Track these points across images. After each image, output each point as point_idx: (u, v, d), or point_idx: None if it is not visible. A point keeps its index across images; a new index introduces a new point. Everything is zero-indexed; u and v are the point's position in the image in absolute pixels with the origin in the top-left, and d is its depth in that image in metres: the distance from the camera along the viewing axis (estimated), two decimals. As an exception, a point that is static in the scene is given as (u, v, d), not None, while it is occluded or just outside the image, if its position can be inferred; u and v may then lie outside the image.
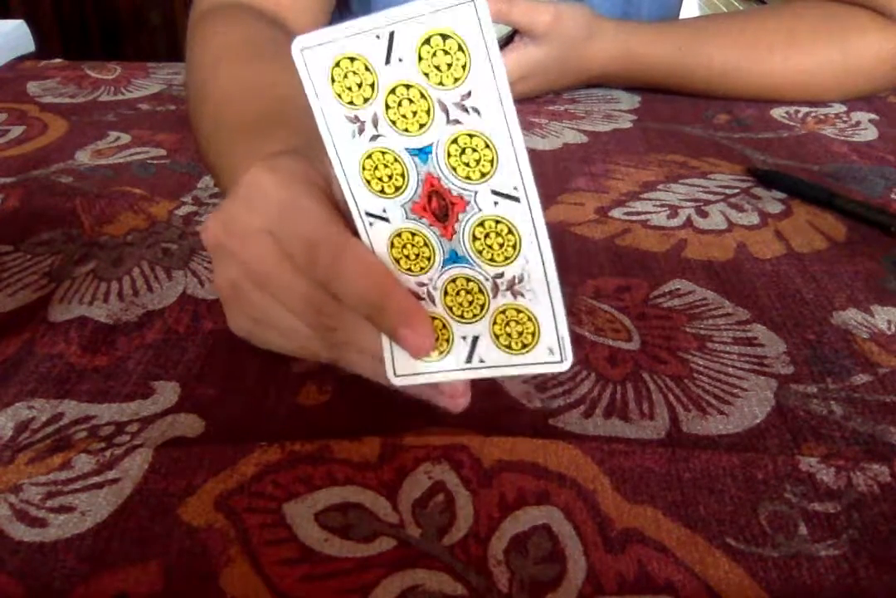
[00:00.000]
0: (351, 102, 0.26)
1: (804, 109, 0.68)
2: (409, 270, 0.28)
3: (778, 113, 0.68)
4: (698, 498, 0.32)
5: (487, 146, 0.25)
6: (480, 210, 0.26)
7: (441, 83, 0.25)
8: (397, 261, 0.28)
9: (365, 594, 0.28)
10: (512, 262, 0.26)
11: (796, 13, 0.68)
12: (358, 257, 0.28)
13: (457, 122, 0.25)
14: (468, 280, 0.28)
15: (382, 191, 0.28)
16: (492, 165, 0.25)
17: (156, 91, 0.73)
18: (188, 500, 0.32)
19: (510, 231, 0.26)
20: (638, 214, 0.52)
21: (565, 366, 0.27)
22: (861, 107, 0.69)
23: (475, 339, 0.28)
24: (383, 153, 0.27)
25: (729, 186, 0.56)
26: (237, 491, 0.32)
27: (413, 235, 0.28)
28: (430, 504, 0.31)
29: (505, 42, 0.64)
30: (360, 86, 0.26)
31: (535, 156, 0.60)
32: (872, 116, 0.67)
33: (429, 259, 0.28)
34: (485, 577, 0.29)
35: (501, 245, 0.26)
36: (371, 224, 0.28)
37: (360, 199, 0.28)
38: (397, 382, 0.30)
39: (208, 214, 0.51)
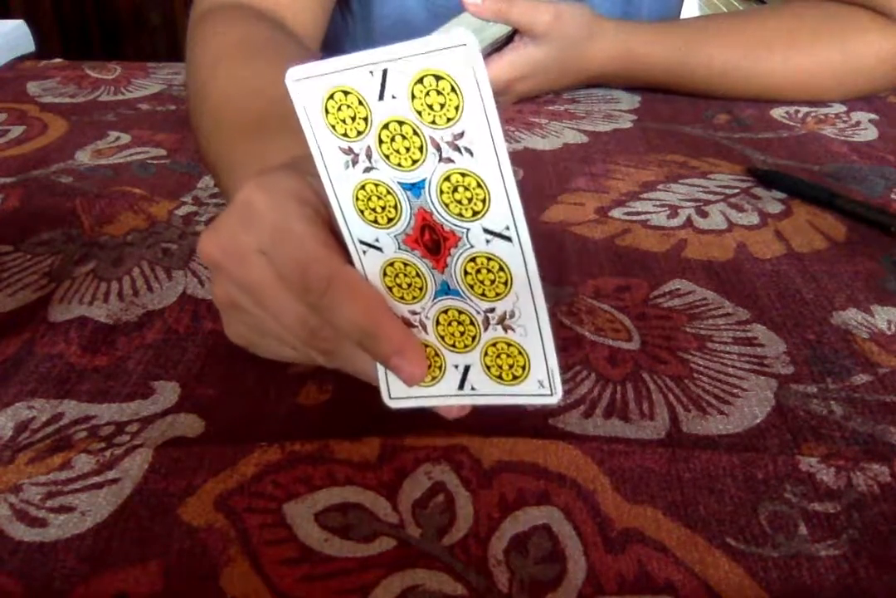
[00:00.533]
0: (345, 134, 0.26)
1: (804, 109, 0.68)
2: (402, 298, 0.28)
3: (778, 113, 0.68)
4: (698, 498, 0.32)
5: (479, 186, 0.25)
6: (472, 246, 0.26)
7: (434, 122, 0.25)
8: (390, 289, 0.29)
9: (365, 594, 0.28)
10: (503, 298, 0.27)
11: (796, 13, 0.68)
12: (350, 284, 0.28)
13: (449, 160, 0.25)
14: (460, 312, 0.28)
15: (376, 221, 0.28)
16: (484, 204, 0.25)
17: (156, 91, 0.73)
18: (188, 500, 0.32)
19: (501, 268, 0.26)
20: (638, 214, 0.52)
21: (554, 399, 0.27)
22: (861, 107, 0.69)
23: (467, 368, 0.28)
24: (376, 185, 0.27)
25: (729, 186, 0.56)
26: (237, 491, 0.32)
27: (405, 265, 0.28)
28: (430, 505, 0.31)
29: (505, 42, 0.64)
30: (353, 119, 0.26)
31: (536, 156, 0.60)
32: (872, 115, 0.67)
33: (421, 289, 0.28)
34: (485, 577, 0.29)
35: (493, 281, 0.27)
36: (364, 252, 0.28)
37: (353, 227, 0.28)
38: (392, 404, 0.30)
39: (205, 224, 0.51)
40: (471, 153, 0.25)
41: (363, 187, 0.27)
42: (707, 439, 0.35)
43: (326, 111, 0.26)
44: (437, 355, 0.29)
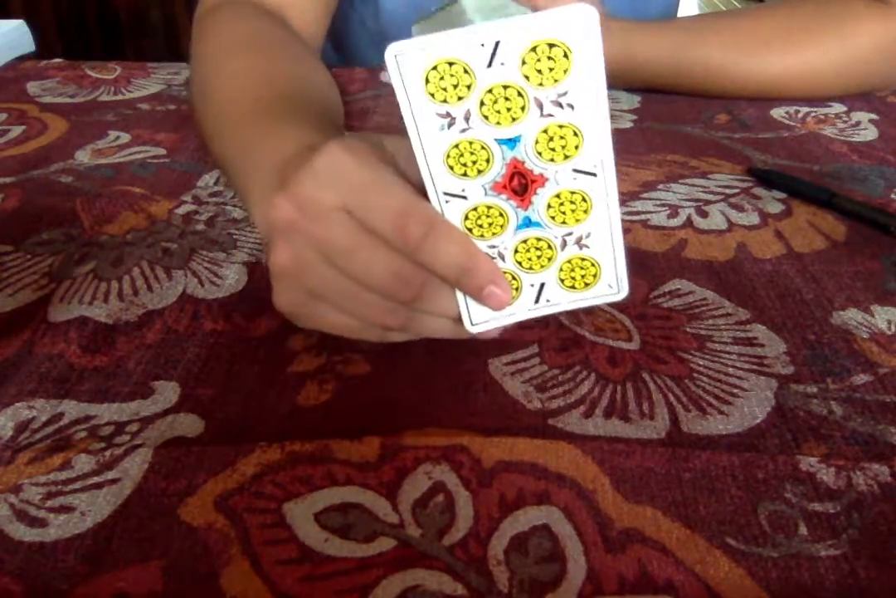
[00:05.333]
0: (444, 101, 0.29)
1: (804, 109, 0.68)
2: (482, 236, 0.31)
3: (778, 113, 0.68)
4: (698, 498, 0.32)
5: (576, 134, 0.29)
6: (559, 184, 0.30)
7: (541, 84, 0.28)
8: (469, 230, 0.31)
9: (365, 594, 0.28)
10: (582, 223, 0.31)
11: (792, 8, 0.68)
12: (448, 226, 0.31)
13: (550, 115, 0.29)
14: (539, 239, 0.31)
15: (465, 174, 0.30)
16: (576, 149, 0.29)
17: (156, 91, 0.73)
18: (188, 500, 0.32)
19: (584, 199, 0.30)
20: (638, 213, 0.52)
21: (621, 296, 0.32)
22: (861, 107, 0.69)
23: (542, 285, 0.32)
24: (471, 143, 0.29)
25: (729, 185, 0.56)
26: (237, 491, 0.32)
27: (489, 208, 0.31)
28: (430, 504, 0.31)
29: None
30: (455, 87, 0.28)
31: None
32: (872, 115, 0.67)
33: (502, 226, 0.31)
34: (485, 577, 0.29)
35: (574, 210, 0.31)
36: (447, 202, 0.31)
37: (439, 181, 0.30)
38: (474, 329, 0.33)
39: (205, 223, 0.51)
40: (572, 108, 0.29)
41: (457, 146, 0.29)
42: (707, 439, 0.35)
43: (427, 80, 0.28)
44: (514, 278, 0.32)
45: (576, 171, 0.30)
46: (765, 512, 0.31)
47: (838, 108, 0.68)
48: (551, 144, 0.29)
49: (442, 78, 0.28)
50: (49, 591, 0.28)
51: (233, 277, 0.45)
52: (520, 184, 0.30)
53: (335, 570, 0.29)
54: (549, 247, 0.31)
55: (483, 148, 0.29)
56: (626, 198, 0.54)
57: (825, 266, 0.46)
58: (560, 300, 0.32)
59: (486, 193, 0.30)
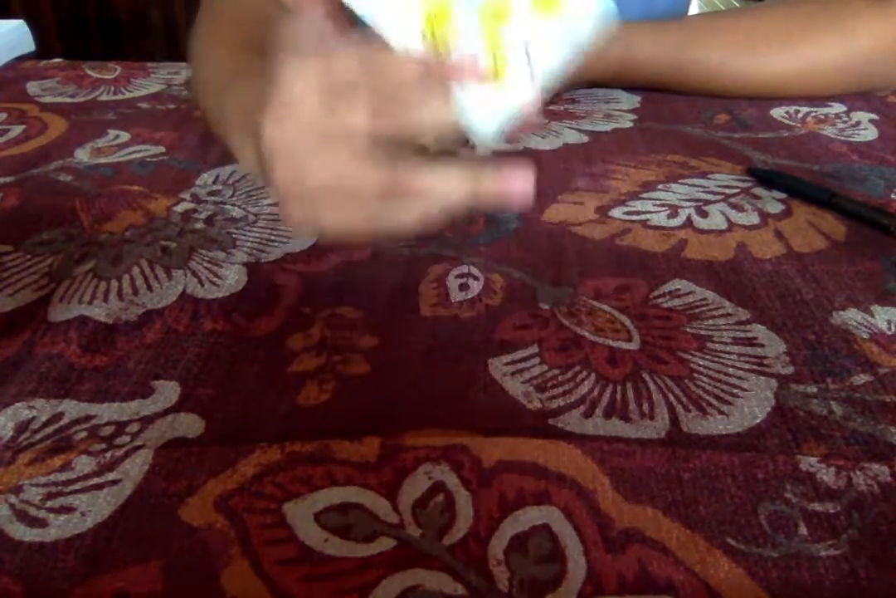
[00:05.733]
0: None
1: (804, 109, 0.68)
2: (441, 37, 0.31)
3: (778, 113, 0.68)
4: (698, 498, 0.32)
5: None
6: None
7: None
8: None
9: (365, 594, 0.28)
10: None
11: (792, 7, 0.68)
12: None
13: None
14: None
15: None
16: None
17: (155, 91, 0.73)
18: (188, 500, 0.32)
19: None
20: (638, 213, 0.52)
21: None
22: (861, 107, 0.69)
23: (527, 51, 0.31)
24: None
25: (729, 185, 0.56)
26: (237, 491, 0.32)
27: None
28: (430, 504, 0.31)
29: None
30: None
31: (536, 156, 0.60)
32: (872, 115, 0.67)
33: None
34: (485, 577, 0.29)
35: None
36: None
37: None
38: (483, 149, 0.33)
39: (204, 222, 0.51)
40: None
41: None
42: (707, 438, 0.35)
43: None
44: (495, 62, 0.31)
45: None
46: (765, 512, 0.31)
47: (838, 108, 0.68)
48: None
49: None
50: (49, 591, 0.28)
51: (233, 277, 0.45)
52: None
53: (335, 570, 0.29)
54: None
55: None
56: (626, 198, 0.54)
57: (825, 266, 0.46)
58: (547, 37, 0.31)
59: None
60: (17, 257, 0.47)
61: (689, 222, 0.51)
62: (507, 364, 0.39)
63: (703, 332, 0.41)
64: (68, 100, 0.70)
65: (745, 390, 0.37)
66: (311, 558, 0.29)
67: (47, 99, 0.70)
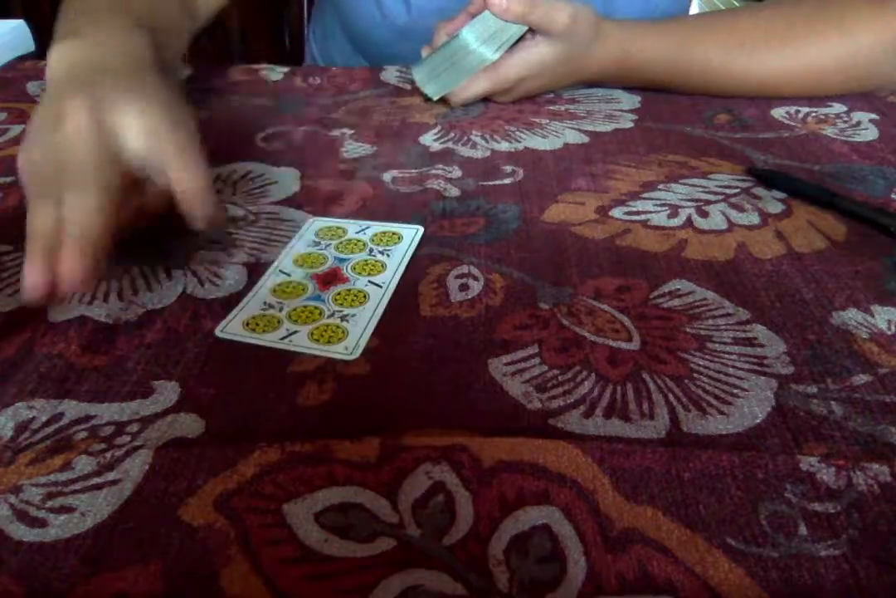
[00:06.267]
0: (321, 239, 0.49)
1: (805, 109, 0.68)
2: (279, 296, 0.43)
3: (778, 113, 0.68)
4: (698, 498, 0.32)
5: (383, 266, 0.46)
6: (354, 286, 0.44)
7: (379, 242, 0.48)
8: (273, 292, 0.44)
9: (365, 594, 0.28)
10: (353, 308, 0.42)
11: (792, 7, 0.68)
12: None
13: (371, 253, 0.47)
14: (315, 307, 0.42)
15: (302, 265, 0.46)
16: (379, 272, 0.45)
17: (156, 91, 0.73)
18: (188, 500, 0.32)
19: (364, 296, 0.43)
20: (638, 213, 0.52)
21: (352, 357, 0.39)
22: (861, 107, 0.69)
23: (295, 332, 0.41)
24: (319, 254, 0.47)
25: (729, 186, 0.56)
26: (237, 491, 0.32)
27: (299, 284, 0.44)
28: (430, 504, 0.32)
29: (519, 38, 0.64)
30: (331, 236, 0.49)
31: (536, 156, 0.60)
32: (873, 115, 0.67)
33: (298, 296, 0.43)
34: (485, 577, 0.29)
35: (353, 301, 0.43)
36: (277, 274, 0.45)
37: (284, 265, 0.46)
38: (221, 335, 0.40)
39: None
40: (388, 256, 0.47)
41: (310, 255, 0.47)
42: (707, 438, 0.35)
43: (317, 234, 0.50)
44: (279, 321, 0.41)
45: (371, 282, 0.44)
46: (765, 512, 0.31)
47: (839, 108, 0.68)
48: (366, 267, 0.46)
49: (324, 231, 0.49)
50: (49, 591, 0.28)
51: (233, 277, 0.45)
52: (332, 278, 0.45)
53: (335, 570, 0.29)
54: (321, 314, 0.42)
55: (325, 258, 0.47)
56: (626, 198, 0.54)
57: (825, 266, 0.46)
58: (303, 344, 0.40)
59: (305, 276, 0.45)
60: (17, 257, 0.47)
61: (689, 222, 0.51)
62: (507, 364, 0.39)
63: (703, 332, 0.41)
64: (68, 100, 0.70)
65: (745, 390, 0.37)
66: (311, 558, 0.30)
67: (47, 99, 0.70)
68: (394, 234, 0.48)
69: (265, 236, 0.49)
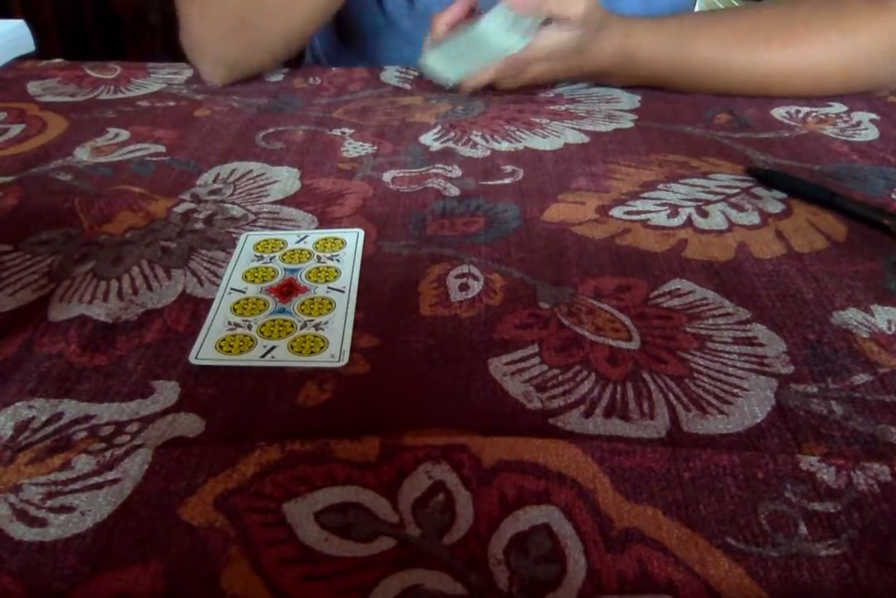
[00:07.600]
0: (262, 252, 0.48)
1: (805, 109, 0.68)
2: (241, 314, 0.42)
3: (779, 113, 0.68)
4: (698, 498, 0.32)
5: (337, 271, 0.46)
6: (316, 294, 0.44)
7: (324, 249, 0.48)
8: (233, 310, 0.42)
9: (365, 594, 0.28)
10: (323, 315, 0.42)
11: (792, 6, 0.68)
12: None
13: (321, 261, 0.47)
14: (284, 320, 0.42)
15: (253, 281, 0.45)
16: (335, 277, 0.45)
17: (155, 90, 0.73)
18: (188, 500, 0.32)
19: (330, 303, 0.43)
20: (638, 213, 0.52)
21: (341, 364, 0.39)
22: (862, 107, 0.69)
23: (274, 347, 0.40)
24: (267, 267, 0.46)
25: (729, 185, 0.56)
26: (237, 491, 0.32)
27: (258, 299, 0.43)
28: (430, 504, 0.31)
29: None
30: (272, 248, 0.48)
31: (536, 155, 0.60)
32: (873, 115, 0.67)
33: (261, 311, 0.42)
34: (485, 577, 0.29)
35: (320, 309, 0.42)
36: (230, 293, 0.44)
37: (233, 281, 0.45)
38: (196, 362, 0.39)
39: (203, 222, 0.51)
40: (338, 261, 0.47)
41: (257, 269, 0.46)
42: (707, 438, 0.35)
43: (255, 248, 0.48)
44: (251, 340, 0.40)
45: (330, 288, 0.44)
46: (765, 512, 0.31)
47: (839, 107, 0.68)
48: (319, 275, 0.45)
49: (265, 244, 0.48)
50: (49, 591, 0.28)
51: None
52: (289, 290, 0.44)
53: (335, 570, 0.29)
54: (292, 326, 0.41)
55: (274, 270, 0.46)
56: (626, 198, 0.54)
57: (825, 266, 0.46)
58: (284, 359, 0.39)
59: (260, 292, 0.44)
60: (17, 257, 0.47)
61: (689, 222, 0.51)
62: (507, 364, 0.39)
63: (703, 331, 0.41)
64: (68, 99, 0.70)
65: (746, 389, 0.37)
66: (311, 557, 0.29)
67: (47, 98, 0.70)
68: (336, 239, 0.48)
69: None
